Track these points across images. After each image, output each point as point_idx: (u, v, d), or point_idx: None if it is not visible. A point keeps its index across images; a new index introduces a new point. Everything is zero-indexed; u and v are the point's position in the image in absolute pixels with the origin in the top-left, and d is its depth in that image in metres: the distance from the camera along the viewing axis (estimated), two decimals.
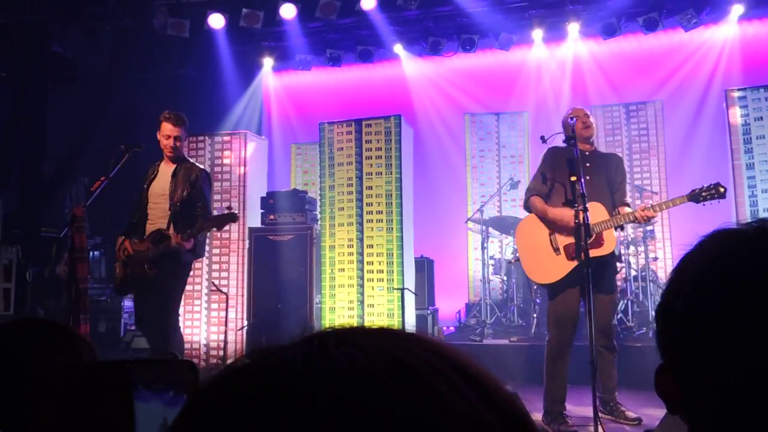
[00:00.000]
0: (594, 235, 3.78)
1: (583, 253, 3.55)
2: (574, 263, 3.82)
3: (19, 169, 7.75)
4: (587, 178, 3.82)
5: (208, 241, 6.73)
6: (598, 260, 3.79)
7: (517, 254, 4.83)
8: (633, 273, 6.79)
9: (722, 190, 3.80)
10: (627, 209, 4.03)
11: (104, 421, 0.73)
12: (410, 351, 0.40)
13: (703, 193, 3.81)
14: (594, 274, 3.68)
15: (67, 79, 8.05)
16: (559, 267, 3.94)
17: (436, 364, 0.40)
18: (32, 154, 7.82)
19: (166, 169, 4.39)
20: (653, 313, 6.51)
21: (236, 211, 4.52)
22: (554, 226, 4.01)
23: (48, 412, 0.76)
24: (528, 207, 4.17)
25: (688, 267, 0.70)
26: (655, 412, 4.07)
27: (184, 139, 4.43)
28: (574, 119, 4.03)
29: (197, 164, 4.59)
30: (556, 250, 4.00)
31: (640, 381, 4.67)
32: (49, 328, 1.17)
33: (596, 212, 3.81)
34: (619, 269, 6.86)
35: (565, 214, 3.85)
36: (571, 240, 3.84)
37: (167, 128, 4.32)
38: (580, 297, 3.91)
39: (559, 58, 8.22)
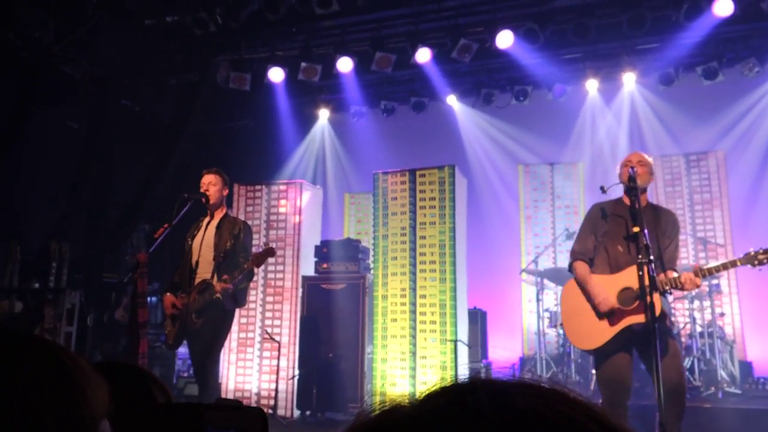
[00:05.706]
0: (637, 302, 3.59)
1: (648, 311, 3.39)
2: (617, 329, 3.65)
3: (86, 215, 8.06)
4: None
5: (261, 288, 6.80)
6: (641, 327, 3.55)
7: (561, 320, 4.61)
8: (699, 329, 6.50)
9: None
10: (674, 274, 3.71)
11: None
12: (560, 412, 0.41)
13: (760, 256, 3.53)
14: (641, 341, 3.53)
15: (134, 130, 8.42)
16: (602, 332, 3.72)
17: (587, 424, 0.41)
18: (98, 201, 8.15)
19: (210, 223, 4.69)
20: (722, 373, 6.19)
21: (273, 246, 4.89)
22: (591, 299, 3.77)
23: None
24: (572, 271, 3.97)
25: None
26: None
27: (221, 189, 4.70)
28: (634, 168, 3.91)
29: (239, 218, 5.05)
30: (599, 315, 3.76)
31: None
32: (122, 372, 1.17)
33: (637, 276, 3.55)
34: (677, 328, 6.59)
35: (601, 294, 3.69)
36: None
37: (203, 178, 4.69)
38: (631, 362, 3.69)
39: (615, 108, 8.14)
